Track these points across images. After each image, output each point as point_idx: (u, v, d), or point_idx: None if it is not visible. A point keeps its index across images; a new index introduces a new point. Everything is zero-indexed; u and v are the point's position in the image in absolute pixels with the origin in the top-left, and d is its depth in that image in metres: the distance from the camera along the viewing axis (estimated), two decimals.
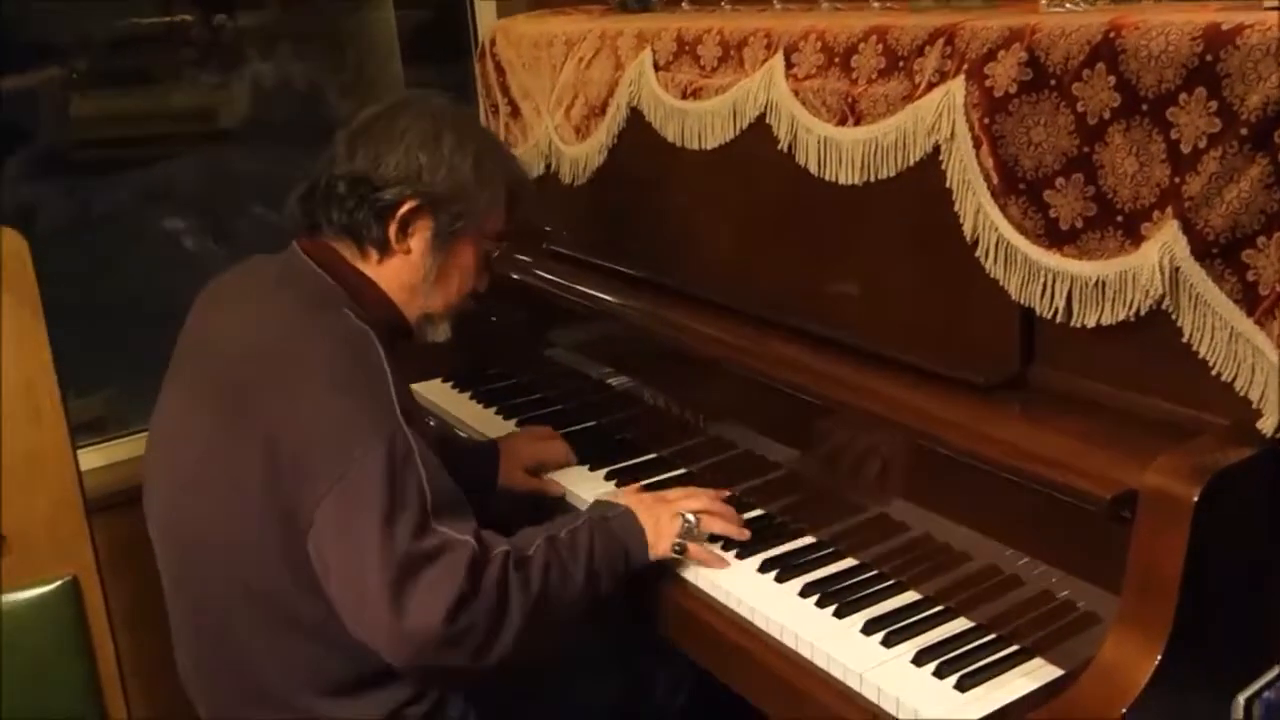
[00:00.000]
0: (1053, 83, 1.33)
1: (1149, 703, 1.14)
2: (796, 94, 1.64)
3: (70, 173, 2.57)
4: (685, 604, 1.56)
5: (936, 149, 1.45)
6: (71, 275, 2.39)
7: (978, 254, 1.42)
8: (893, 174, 1.52)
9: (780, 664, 1.42)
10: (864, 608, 1.45)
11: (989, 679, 1.31)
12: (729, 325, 1.75)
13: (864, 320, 1.59)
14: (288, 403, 1.41)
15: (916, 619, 1.42)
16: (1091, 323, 1.34)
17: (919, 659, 1.35)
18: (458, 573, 1.36)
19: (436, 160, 1.53)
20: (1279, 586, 1.22)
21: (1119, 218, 1.30)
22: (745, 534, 1.60)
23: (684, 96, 1.84)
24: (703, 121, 1.81)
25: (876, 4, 1.77)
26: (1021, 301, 1.40)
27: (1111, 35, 1.26)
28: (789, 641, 1.43)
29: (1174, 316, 1.26)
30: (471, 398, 2.21)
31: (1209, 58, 1.18)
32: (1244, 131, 1.15)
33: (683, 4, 2.13)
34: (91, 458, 2.17)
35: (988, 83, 1.38)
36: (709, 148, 1.81)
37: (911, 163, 1.49)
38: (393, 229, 1.53)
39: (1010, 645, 1.36)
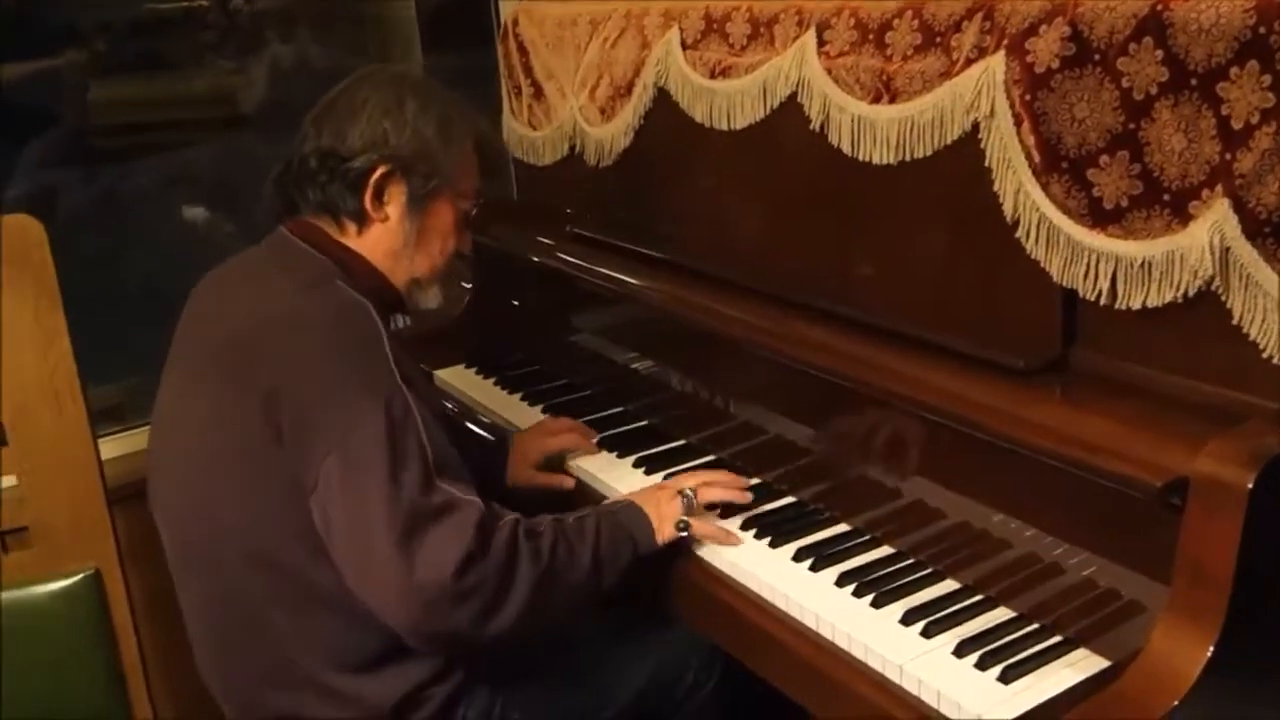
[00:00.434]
0: (1097, 58, 1.29)
1: (1200, 695, 1.11)
2: (829, 72, 1.60)
3: (89, 159, 2.56)
4: (717, 592, 1.53)
5: (975, 127, 1.41)
6: (90, 261, 2.38)
7: (1018, 235, 1.38)
8: (929, 153, 1.48)
9: (816, 655, 1.39)
10: (901, 597, 1.42)
11: (1033, 670, 1.28)
12: (758, 309, 1.71)
13: (899, 303, 1.56)
14: (286, 367, 1.43)
15: (956, 609, 1.39)
16: (1137, 304, 1.30)
17: (960, 650, 1.31)
18: (466, 530, 1.37)
19: (400, 124, 1.55)
20: None
21: (1166, 196, 1.26)
22: (747, 497, 1.62)
23: (712, 76, 1.81)
24: (732, 101, 1.77)
25: None
26: (1064, 283, 1.36)
27: (1159, 8, 1.22)
28: (825, 632, 1.40)
29: (1223, 298, 1.23)
30: (496, 383, 2.19)
31: (1262, 30, 1.14)
32: None
33: None
34: (110, 447, 2.15)
35: (1029, 58, 1.34)
36: (738, 128, 1.78)
37: (949, 141, 1.45)
38: (367, 198, 1.55)
39: (1053, 635, 1.33)
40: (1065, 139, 1.33)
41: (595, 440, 1.88)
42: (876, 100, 1.54)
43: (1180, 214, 1.25)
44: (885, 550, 1.53)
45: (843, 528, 1.59)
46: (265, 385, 1.42)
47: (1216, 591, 1.12)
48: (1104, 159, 1.30)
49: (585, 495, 1.79)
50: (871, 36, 1.55)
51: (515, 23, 2.33)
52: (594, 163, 2.13)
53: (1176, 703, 1.10)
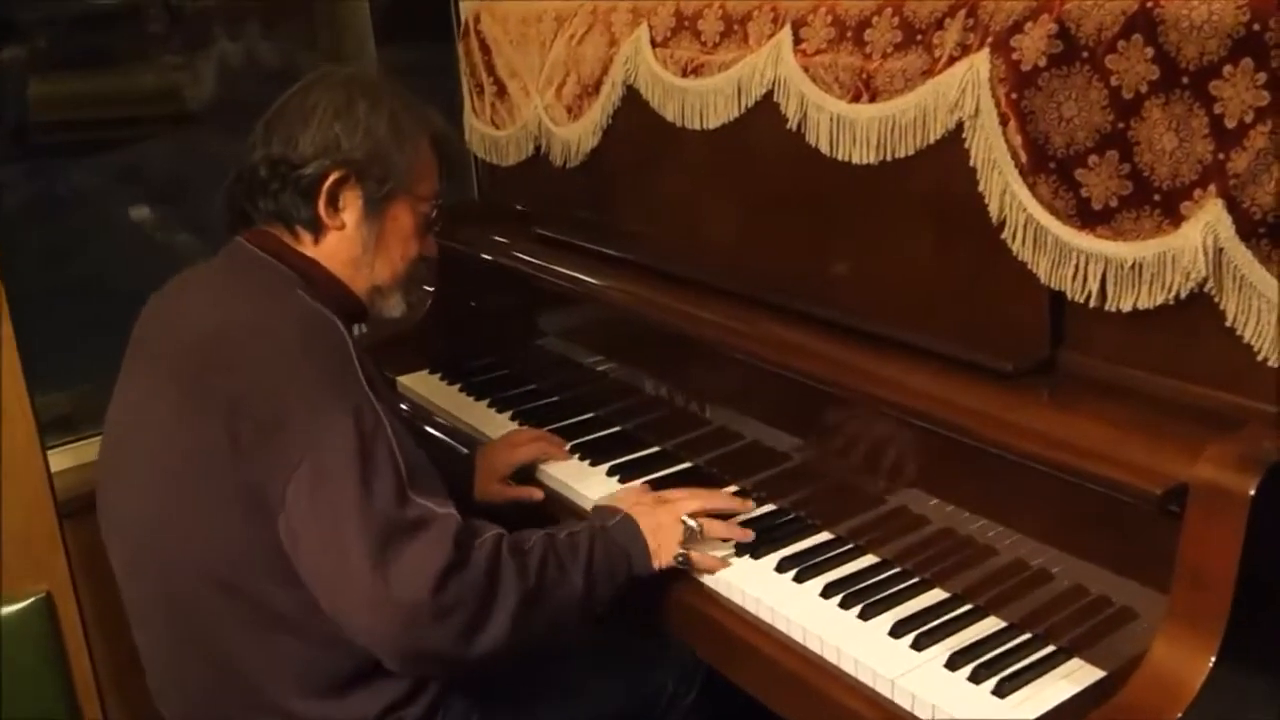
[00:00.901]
0: (1085, 55, 1.26)
1: (1204, 705, 1.09)
2: (806, 70, 1.56)
3: (30, 157, 2.47)
4: (698, 604, 1.49)
5: (959, 126, 1.38)
6: (33, 262, 2.30)
7: (1004, 236, 1.36)
8: (911, 153, 1.45)
9: (804, 669, 1.35)
10: (890, 608, 1.39)
11: (1028, 682, 1.25)
12: (735, 312, 1.68)
13: (881, 306, 1.52)
14: (248, 381, 1.36)
15: (946, 619, 1.36)
16: (1127, 307, 1.28)
17: (953, 662, 1.29)
18: (443, 543, 1.32)
19: (352, 126, 1.49)
20: None
21: (1157, 196, 1.24)
22: (749, 535, 1.54)
23: (684, 74, 1.77)
24: (704, 100, 1.73)
25: None
26: (1052, 285, 1.33)
27: (1149, 5, 1.20)
28: (813, 645, 1.36)
29: (1216, 300, 1.21)
30: (461, 389, 2.13)
31: (1256, 27, 1.13)
32: None
33: None
34: (60, 459, 2.06)
35: (1014, 56, 1.31)
36: (711, 127, 1.74)
37: (932, 141, 1.42)
38: (321, 205, 1.50)
39: (1046, 645, 1.31)
40: (1053, 138, 1.30)
41: (566, 449, 1.83)
42: (856, 99, 1.51)
43: (1172, 215, 1.23)
44: (870, 559, 1.50)
45: (825, 536, 1.55)
46: (225, 398, 1.36)
47: (1218, 599, 1.10)
48: (1093, 159, 1.28)
49: (557, 505, 1.75)
50: (850, 34, 1.52)
51: (477, 19, 2.27)
52: (560, 163, 2.08)
53: (1180, 714, 1.08)
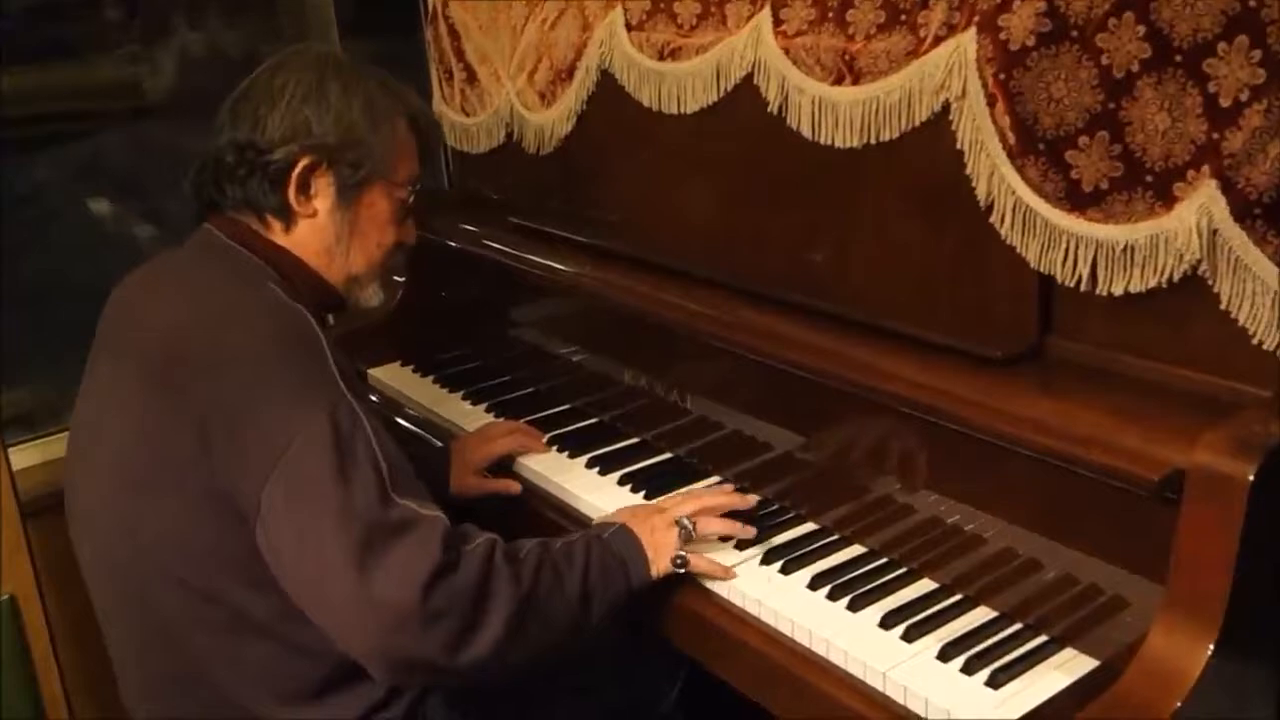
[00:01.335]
0: (1074, 34, 1.24)
1: (1203, 694, 1.07)
2: (787, 52, 1.53)
3: None
4: (682, 599, 1.45)
5: (945, 108, 1.36)
6: None
7: (992, 219, 1.34)
8: (895, 136, 1.43)
9: (792, 662, 1.32)
10: (879, 599, 1.37)
11: (1021, 673, 1.23)
12: (714, 300, 1.65)
13: (864, 292, 1.50)
14: (217, 383, 1.31)
15: (936, 610, 1.34)
16: (1119, 290, 1.26)
17: (944, 654, 1.26)
18: (430, 546, 1.26)
19: (322, 109, 1.43)
20: None
21: (1149, 178, 1.22)
22: (750, 531, 1.49)
23: (661, 57, 1.73)
24: (682, 84, 1.70)
25: None
26: (1041, 269, 1.31)
27: None
28: (801, 638, 1.33)
29: (1210, 282, 1.19)
30: (434, 381, 2.09)
31: (1252, 3, 1.11)
32: None
33: None
34: (21, 457, 2.01)
35: (1002, 35, 1.29)
36: (689, 112, 1.70)
37: (917, 123, 1.40)
38: (291, 192, 1.44)
39: (1038, 635, 1.29)
40: (1041, 119, 1.28)
41: (544, 441, 1.80)
42: (839, 81, 1.48)
43: (1164, 196, 1.21)
44: (857, 549, 1.47)
45: (810, 527, 1.53)
46: (193, 401, 1.30)
47: (1216, 586, 1.08)
48: (1083, 140, 1.25)
49: (537, 498, 1.71)
50: (831, 15, 1.49)
51: (445, 4, 2.22)
52: (533, 150, 2.04)
53: (1180, 703, 1.06)
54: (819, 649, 1.31)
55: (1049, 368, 1.34)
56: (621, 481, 1.67)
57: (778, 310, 1.57)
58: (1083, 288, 1.28)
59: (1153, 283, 1.23)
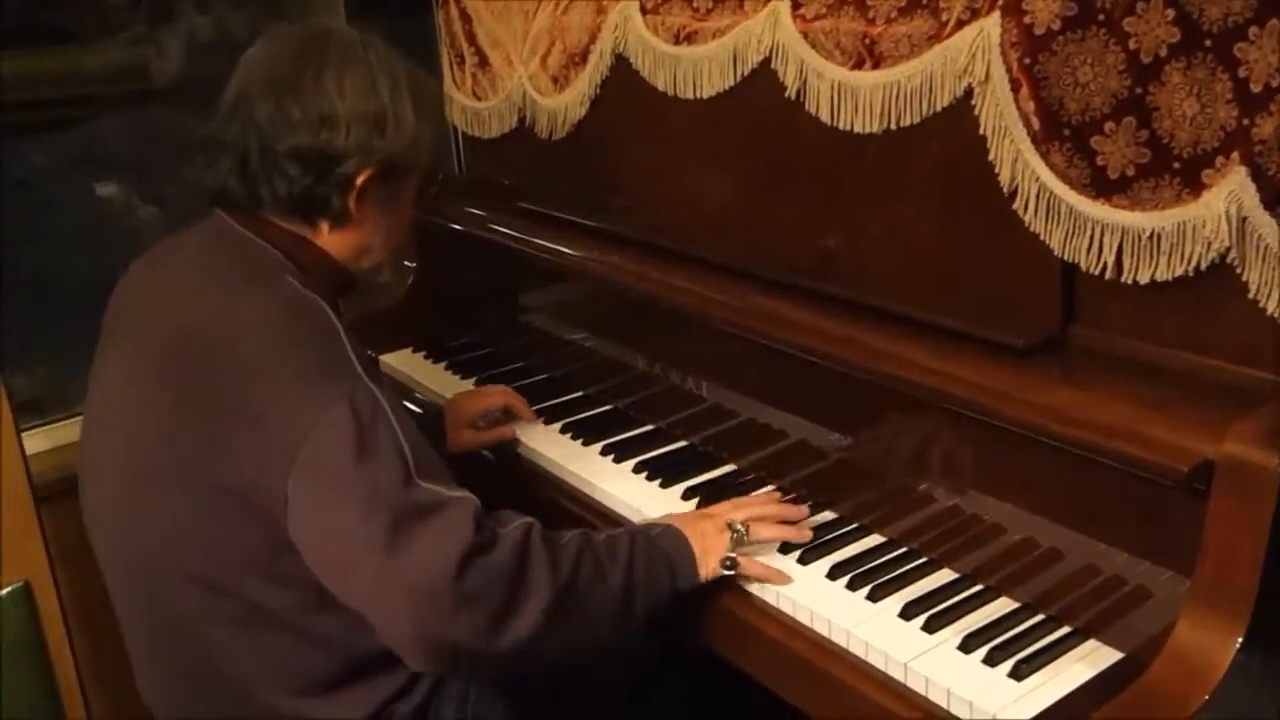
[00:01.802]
0: (1101, 18, 1.22)
1: (1231, 687, 1.06)
2: (805, 36, 1.52)
3: None
4: (698, 587, 1.44)
5: (968, 93, 1.34)
6: None
7: (1015, 206, 1.32)
8: (916, 121, 1.41)
9: (811, 653, 1.31)
10: (899, 589, 1.36)
11: (1044, 665, 1.22)
12: (730, 286, 1.63)
13: (884, 280, 1.49)
14: (234, 378, 1.29)
15: (957, 600, 1.33)
16: (1145, 279, 1.24)
17: (966, 645, 1.25)
18: (461, 526, 1.23)
19: (380, 112, 1.37)
20: None
21: (1176, 164, 1.20)
22: (805, 535, 1.46)
23: (676, 41, 1.71)
24: (698, 68, 1.68)
25: None
26: (1065, 256, 1.30)
27: None
28: (820, 628, 1.32)
29: (1238, 270, 1.17)
30: (447, 368, 2.08)
31: None
32: None
33: None
34: (32, 442, 2.00)
35: (1027, 19, 1.27)
36: (705, 97, 1.69)
37: (939, 108, 1.38)
38: (351, 201, 1.39)
39: (1061, 627, 1.28)
40: (1067, 105, 1.26)
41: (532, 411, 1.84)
42: (858, 65, 1.46)
43: (1192, 183, 1.19)
44: (875, 539, 1.46)
45: (828, 516, 1.51)
46: (208, 397, 1.29)
47: (1245, 579, 1.07)
48: (1109, 125, 1.24)
49: (551, 486, 1.70)
50: None
51: None
52: (546, 135, 2.03)
53: (1208, 695, 1.05)
54: (839, 639, 1.30)
55: (1071, 357, 1.33)
56: (637, 469, 1.66)
57: (794, 297, 1.56)
58: (1107, 276, 1.27)
59: (1179, 271, 1.21)
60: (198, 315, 1.35)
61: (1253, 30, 1.11)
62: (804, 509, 1.51)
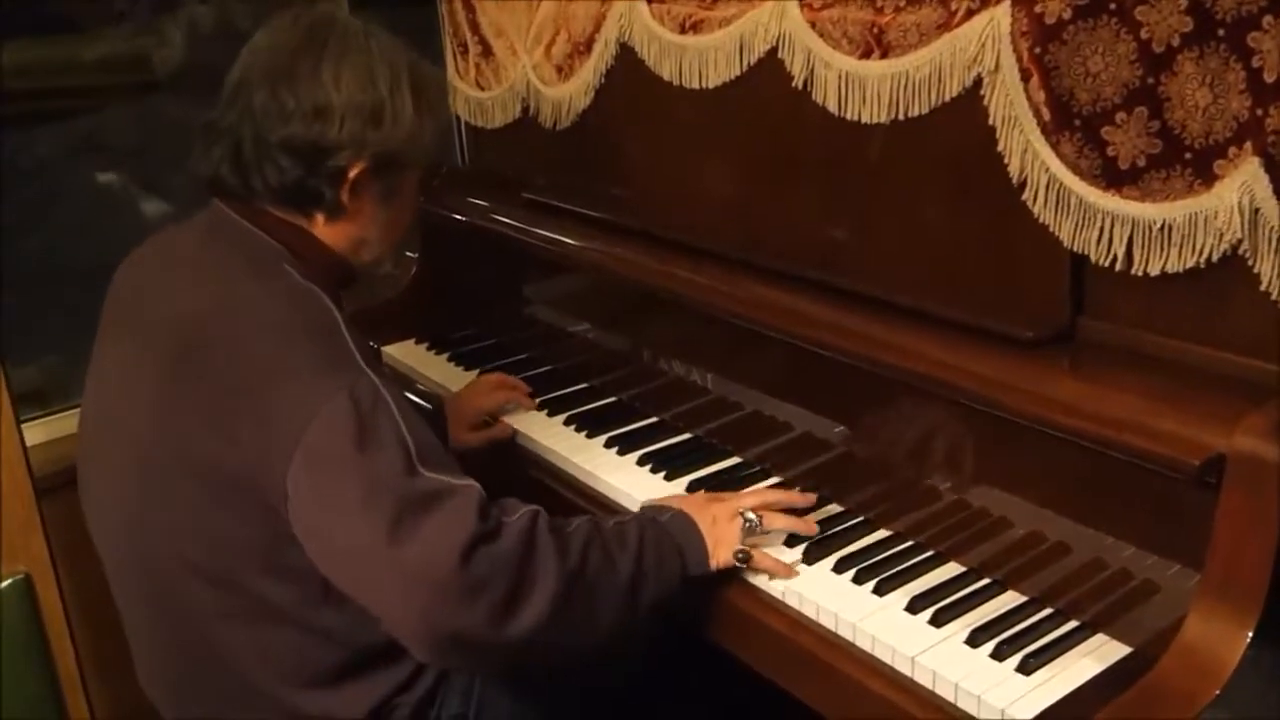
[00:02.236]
0: (1113, 7, 1.21)
1: (1241, 683, 1.05)
2: (813, 25, 1.50)
3: None
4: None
5: (977, 83, 1.33)
6: None
7: (1024, 197, 1.31)
8: (925, 111, 1.40)
9: (817, 646, 1.31)
10: (905, 583, 1.35)
11: (1052, 659, 1.21)
12: (735, 277, 1.62)
13: (891, 271, 1.47)
14: (236, 371, 1.28)
15: (964, 594, 1.32)
16: (1155, 270, 1.23)
17: (973, 639, 1.25)
18: (465, 514, 1.22)
19: (377, 105, 1.35)
20: None
21: (1188, 155, 1.19)
22: (813, 528, 1.44)
23: (682, 30, 1.70)
24: (704, 58, 1.67)
25: None
26: (1074, 248, 1.29)
27: None
28: (827, 622, 1.32)
29: (1250, 262, 1.16)
30: (449, 359, 2.07)
31: None
32: None
33: None
34: (32, 434, 1.99)
35: (1038, 8, 1.26)
36: (711, 86, 1.67)
37: (947, 98, 1.37)
38: (344, 194, 1.37)
39: (1068, 621, 1.27)
40: (1078, 94, 1.25)
41: (530, 394, 1.84)
42: (866, 55, 1.45)
43: (1204, 174, 1.18)
44: (882, 533, 1.45)
45: (834, 509, 1.51)
46: (211, 388, 1.28)
47: (1256, 573, 1.06)
48: (1120, 116, 1.22)
49: (554, 478, 1.70)
50: None
51: None
52: (550, 125, 2.02)
53: (1218, 690, 1.04)
54: (845, 633, 1.30)
55: (1081, 349, 1.32)
56: (641, 462, 1.65)
57: (800, 288, 1.54)
58: (1117, 268, 1.26)
59: (1190, 263, 1.20)
60: (197, 308, 1.34)
61: (1266, 19, 1.10)
62: (811, 497, 1.50)
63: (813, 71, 1.51)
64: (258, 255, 1.37)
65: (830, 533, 1.45)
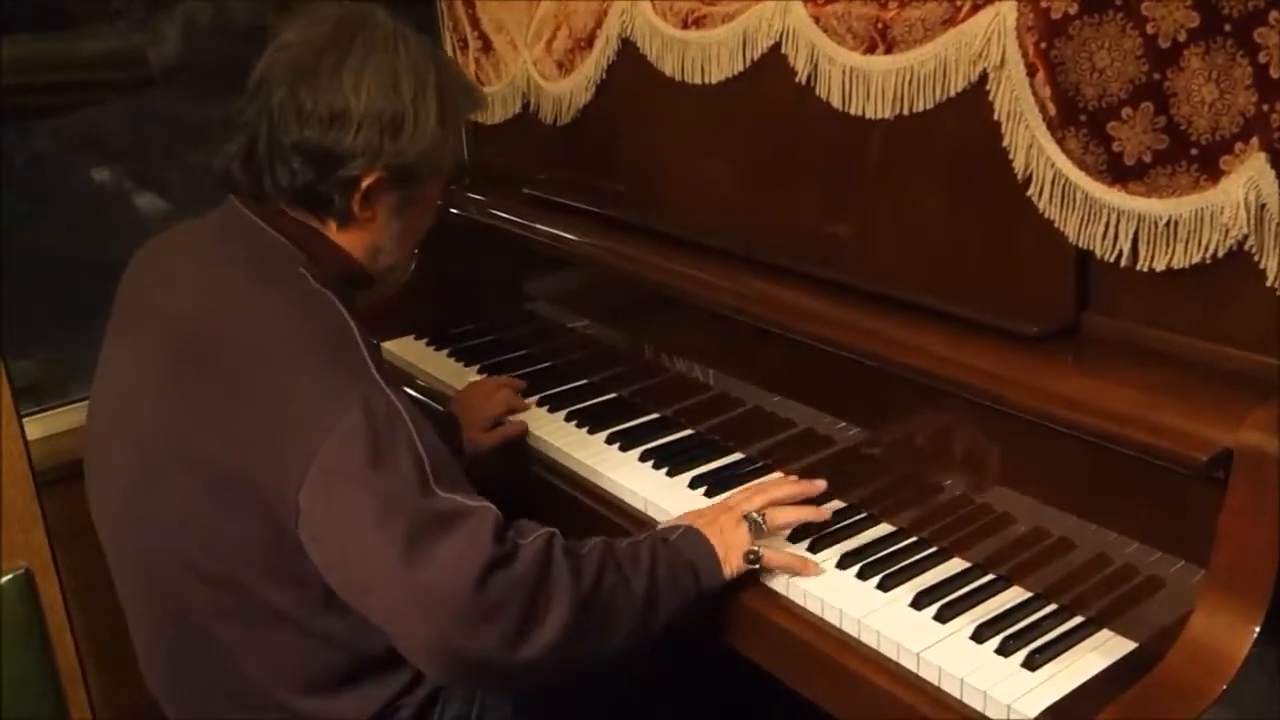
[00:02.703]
0: (1119, 2, 1.21)
1: (1248, 678, 1.05)
2: (817, 20, 1.50)
3: None
4: None
5: (983, 78, 1.33)
6: None
7: (1029, 193, 1.31)
8: (930, 106, 1.40)
9: (821, 642, 1.30)
10: (909, 579, 1.35)
11: (1058, 655, 1.21)
12: (736, 273, 1.62)
13: (893, 267, 1.47)
14: (248, 378, 1.26)
15: (968, 589, 1.32)
16: (1161, 266, 1.23)
17: (979, 634, 1.24)
18: (481, 536, 1.20)
19: (398, 115, 1.31)
20: None
21: (1194, 151, 1.19)
22: (824, 515, 1.44)
23: (684, 26, 1.70)
24: (707, 53, 1.66)
25: None
26: (1080, 243, 1.29)
27: None
28: (831, 618, 1.31)
29: (1256, 258, 1.16)
30: (450, 355, 2.06)
31: None
32: None
33: None
34: (33, 428, 1.98)
35: (1044, 3, 1.26)
36: (713, 82, 1.67)
37: (953, 93, 1.37)
38: (356, 201, 1.34)
39: (1074, 617, 1.27)
40: (1084, 90, 1.25)
41: (527, 393, 1.85)
42: (871, 50, 1.45)
43: (1210, 169, 1.18)
44: (885, 528, 1.45)
45: (836, 504, 1.50)
46: (222, 393, 1.26)
47: (1263, 568, 1.07)
48: (1126, 111, 1.22)
49: (556, 475, 1.69)
50: None
51: None
52: (550, 120, 2.01)
53: (1225, 686, 1.04)
54: (850, 629, 1.29)
55: (1085, 345, 1.32)
56: (643, 458, 1.65)
57: (802, 284, 1.54)
58: (1123, 263, 1.26)
59: (1196, 259, 1.20)
60: (207, 306, 1.32)
61: (1273, 15, 1.10)
62: (821, 484, 1.49)
63: (816, 67, 1.51)
64: (271, 257, 1.34)
65: (834, 528, 1.45)
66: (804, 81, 1.53)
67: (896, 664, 1.24)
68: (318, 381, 1.23)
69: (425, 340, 2.14)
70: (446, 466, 1.25)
